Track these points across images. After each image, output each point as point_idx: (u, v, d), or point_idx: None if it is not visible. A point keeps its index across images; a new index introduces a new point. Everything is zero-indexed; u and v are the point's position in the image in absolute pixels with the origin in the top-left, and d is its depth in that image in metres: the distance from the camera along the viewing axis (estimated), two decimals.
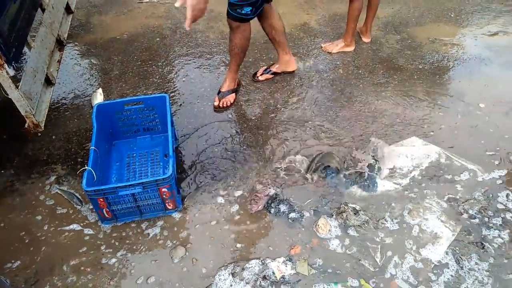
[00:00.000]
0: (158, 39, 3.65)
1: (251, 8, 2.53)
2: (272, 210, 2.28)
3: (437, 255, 2.05)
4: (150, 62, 3.36)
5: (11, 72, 2.03)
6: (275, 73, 3.18)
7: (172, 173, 2.10)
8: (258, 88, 3.11)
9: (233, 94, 2.98)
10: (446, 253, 2.06)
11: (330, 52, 3.45)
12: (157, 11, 4.02)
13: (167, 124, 2.32)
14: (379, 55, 3.44)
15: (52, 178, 2.46)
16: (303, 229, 2.20)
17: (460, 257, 2.03)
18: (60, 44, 2.76)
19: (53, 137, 2.72)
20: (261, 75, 3.17)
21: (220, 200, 2.34)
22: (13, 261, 2.09)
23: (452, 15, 3.92)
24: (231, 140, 2.70)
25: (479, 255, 2.05)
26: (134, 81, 3.17)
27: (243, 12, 2.53)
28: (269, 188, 2.39)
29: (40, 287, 1.99)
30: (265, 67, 3.21)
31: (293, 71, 3.21)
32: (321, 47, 3.51)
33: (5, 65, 1.98)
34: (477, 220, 2.20)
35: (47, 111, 2.30)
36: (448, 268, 2.00)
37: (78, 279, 2.01)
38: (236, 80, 3.02)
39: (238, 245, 2.13)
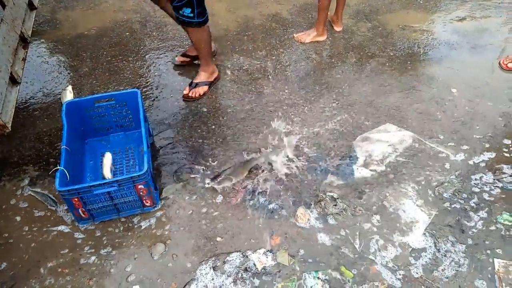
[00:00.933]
0: (127, 33, 3.56)
1: (190, 9, 2.50)
2: (251, 202, 2.27)
3: (414, 239, 2.09)
4: (120, 57, 3.28)
5: None
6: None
7: (148, 170, 2.06)
8: (233, 80, 3.08)
9: (206, 87, 2.95)
10: (423, 236, 2.10)
11: (303, 42, 3.44)
12: (125, 5, 3.92)
13: (140, 120, 2.28)
14: (351, 43, 3.46)
15: (25, 180, 2.38)
16: (282, 219, 2.20)
17: (437, 240, 2.08)
18: (24, 42, 2.66)
19: (23, 138, 2.63)
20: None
21: (198, 194, 2.32)
22: None
23: (421, 2, 3.97)
24: (207, 133, 2.68)
25: (454, 237, 2.10)
26: (104, 77, 3.09)
27: (185, 14, 2.52)
28: (247, 180, 2.38)
29: None
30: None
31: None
32: (294, 37, 3.51)
33: None
34: (451, 203, 2.25)
35: (13, 111, 2.21)
36: (426, 251, 2.05)
37: (56, 280, 1.97)
38: (214, 74, 3.00)
39: (218, 239, 2.12)
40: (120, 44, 3.43)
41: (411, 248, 2.06)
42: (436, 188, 2.32)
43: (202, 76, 2.95)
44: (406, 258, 2.02)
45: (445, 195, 2.29)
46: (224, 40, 3.48)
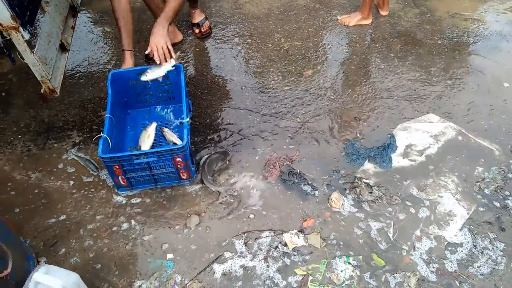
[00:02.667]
0: None
1: None
2: (286, 182, 2.28)
3: (451, 233, 2.05)
4: None
5: (26, 36, 2.00)
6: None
7: (187, 143, 2.09)
8: (272, 60, 3.06)
9: (206, 21, 3.25)
10: (460, 231, 2.06)
11: (347, 25, 3.37)
12: None
13: (181, 94, 2.30)
14: (397, 29, 3.36)
15: (68, 144, 2.48)
16: (316, 202, 2.20)
17: (474, 236, 2.03)
18: (74, 11, 2.72)
19: (68, 104, 2.72)
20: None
21: (234, 171, 2.35)
22: (32, 223, 2.13)
23: None
24: (246, 112, 2.68)
25: (493, 234, 2.05)
26: None
27: None
28: (284, 160, 2.38)
29: (58, 249, 2.03)
30: None
31: (181, 41, 3.21)
32: (338, 19, 3.43)
33: (20, 28, 1.95)
34: (492, 200, 2.19)
35: (62, 77, 2.28)
36: (462, 246, 2.00)
37: (94, 242, 2.05)
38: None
39: (251, 216, 2.14)
40: None
41: (447, 242, 2.02)
42: (477, 184, 2.25)
43: (198, 14, 3.22)
44: (441, 251, 1.99)
45: (486, 191, 2.22)
46: (266, 19, 3.44)
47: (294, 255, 2.00)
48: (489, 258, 1.96)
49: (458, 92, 2.80)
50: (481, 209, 2.15)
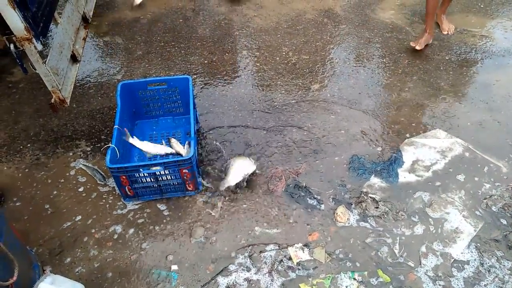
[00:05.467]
0: (181, 20, 3.63)
1: None
2: (292, 195, 2.27)
3: (457, 250, 2.03)
4: (173, 43, 3.35)
5: (39, 47, 2.03)
6: None
7: (194, 155, 2.10)
8: (279, 73, 3.08)
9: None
10: (467, 248, 2.04)
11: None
12: None
13: (189, 106, 2.32)
14: (404, 44, 3.37)
15: (77, 154, 2.50)
16: (321, 216, 2.19)
17: (481, 254, 2.01)
18: (85, 22, 2.76)
19: (78, 113, 2.75)
20: None
21: (240, 183, 2.35)
22: (39, 231, 2.14)
23: (481, 6, 3.81)
24: (253, 124, 2.69)
25: (500, 252, 2.02)
26: (157, 61, 3.17)
27: None
28: (290, 173, 2.38)
29: (63, 258, 2.04)
30: None
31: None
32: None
33: (33, 40, 1.98)
34: (500, 217, 2.17)
35: (72, 88, 2.31)
36: (468, 264, 1.98)
37: (100, 252, 2.06)
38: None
39: (257, 228, 2.14)
40: (173, 30, 3.50)
41: (453, 259, 2.00)
42: (485, 201, 2.24)
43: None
44: (448, 268, 1.97)
45: (493, 208, 2.20)
46: (274, 33, 3.48)
47: (299, 269, 1.99)
48: (496, 276, 1.94)
49: (466, 108, 2.79)
50: (488, 226, 2.12)
